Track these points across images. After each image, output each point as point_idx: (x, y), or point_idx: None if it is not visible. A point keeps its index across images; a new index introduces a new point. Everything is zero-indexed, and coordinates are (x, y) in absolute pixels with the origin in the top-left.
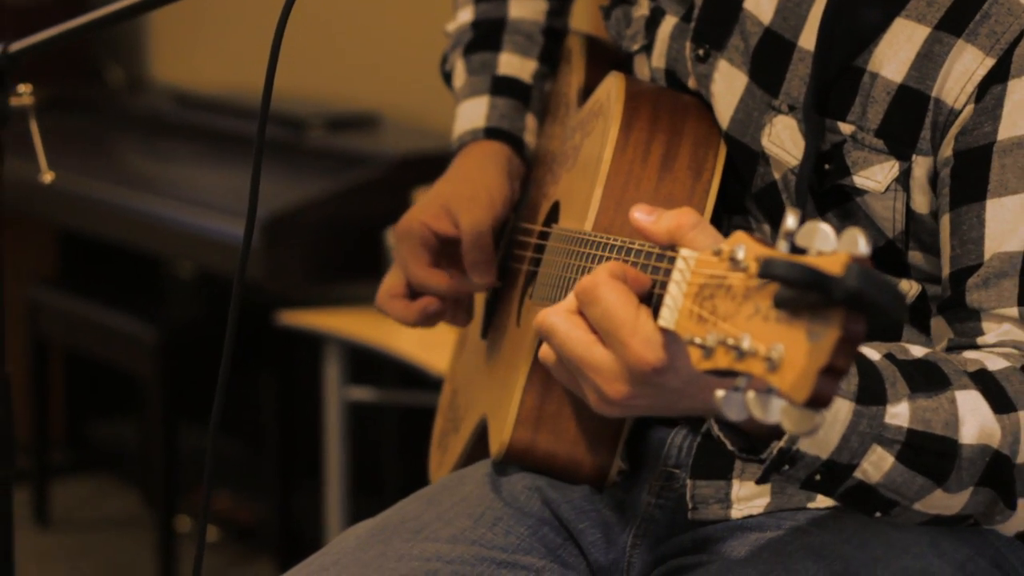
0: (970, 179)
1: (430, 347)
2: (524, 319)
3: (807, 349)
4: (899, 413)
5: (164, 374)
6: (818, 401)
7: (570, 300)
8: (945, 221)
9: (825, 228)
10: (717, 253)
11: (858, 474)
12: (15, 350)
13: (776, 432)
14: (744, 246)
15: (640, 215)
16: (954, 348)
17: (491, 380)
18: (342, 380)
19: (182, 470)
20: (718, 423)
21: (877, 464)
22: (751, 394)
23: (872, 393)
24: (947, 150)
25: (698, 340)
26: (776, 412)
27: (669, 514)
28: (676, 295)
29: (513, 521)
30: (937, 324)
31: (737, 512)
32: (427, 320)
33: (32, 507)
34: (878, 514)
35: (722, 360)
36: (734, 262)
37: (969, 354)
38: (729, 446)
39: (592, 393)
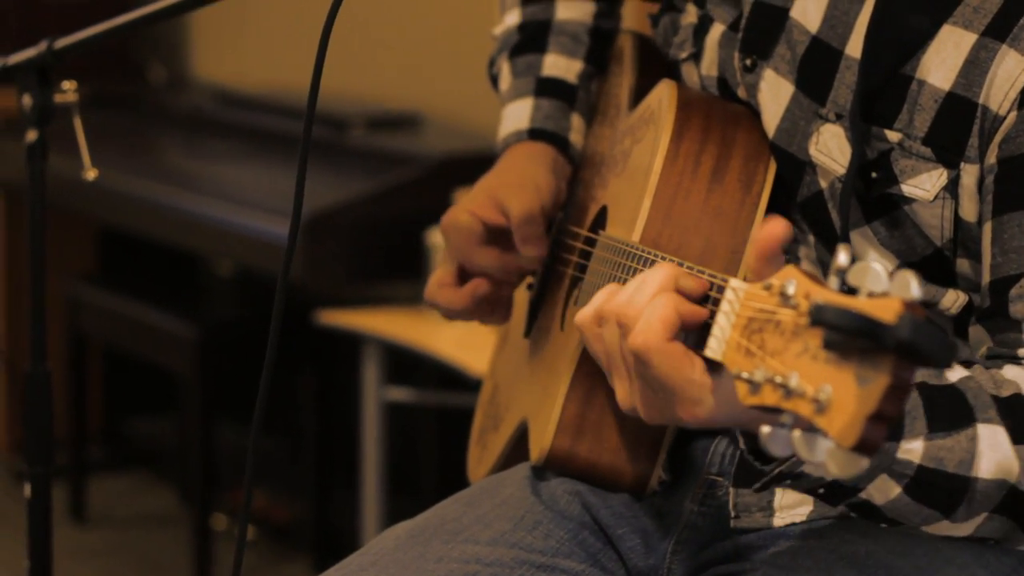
0: (1013, 187)
1: (468, 348)
2: (568, 324)
3: (856, 394)
4: (912, 449)
5: (203, 372)
6: (866, 447)
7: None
8: (987, 228)
9: (877, 268)
10: (767, 287)
11: (862, 495)
12: (54, 346)
13: None
14: (795, 282)
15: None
16: (994, 357)
17: (533, 382)
18: (380, 380)
19: (219, 468)
20: (741, 431)
21: (882, 490)
22: (797, 433)
23: None
24: (991, 157)
25: (745, 375)
26: (822, 453)
27: (711, 522)
28: (724, 326)
29: (553, 525)
30: (976, 331)
31: (779, 520)
32: (478, 304)
33: (69, 503)
34: (883, 525)
35: (769, 397)
36: (784, 297)
37: (1009, 371)
38: (741, 444)
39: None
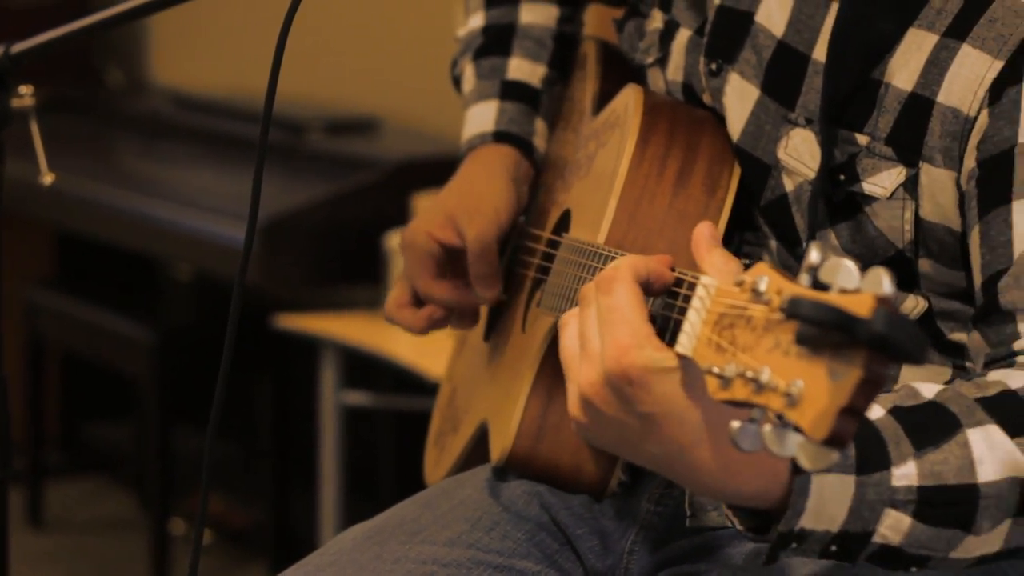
0: (994, 185)
1: (426, 352)
2: (530, 326)
3: (828, 388)
4: (906, 474)
5: (160, 376)
6: (837, 440)
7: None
8: (975, 233)
9: (849, 265)
10: (739, 284)
11: (877, 539)
12: (12, 351)
13: (781, 511)
14: (767, 278)
15: (706, 231)
16: (990, 363)
17: (493, 384)
18: (338, 384)
19: (177, 473)
20: (727, 506)
21: (895, 527)
22: (767, 427)
23: (873, 460)
24: (970, 161)
25: (716, 370)
26: (792, 447)
27: (668, 521)
28: (695, 322)
29: (510, 526)
30: (973, 339)
31: None
32: (434, 326)
33: (26, 508)
34: (914, 570)
35: (740, 392)
36: (756, 294)
37: (994, 374)
38: (738, 526)
39: (572, 387)
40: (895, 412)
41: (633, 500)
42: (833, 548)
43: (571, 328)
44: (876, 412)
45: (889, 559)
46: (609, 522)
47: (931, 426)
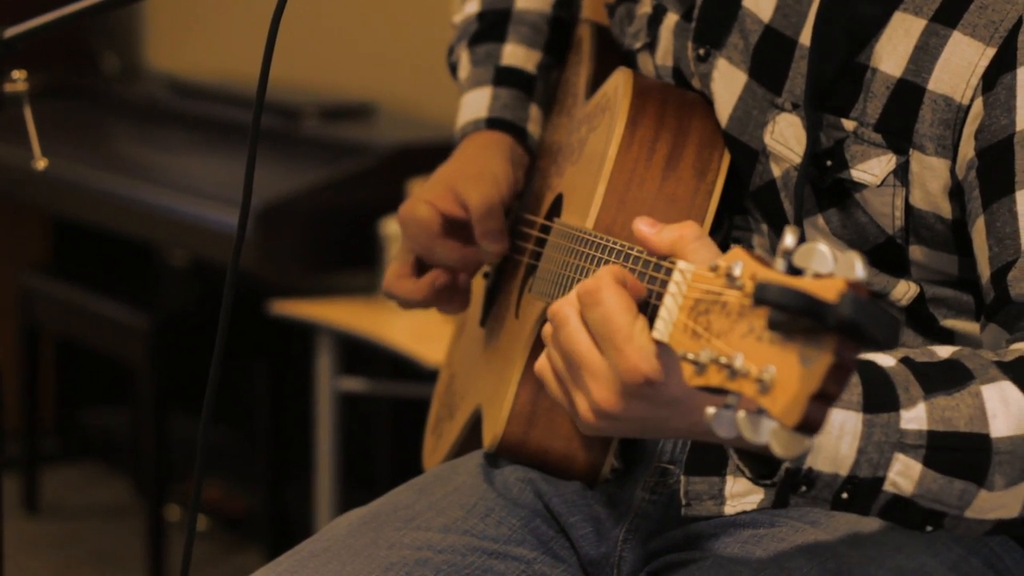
0: (996, 175)
1: (422, 338)
2: (523, 312)
3: (799, 373)
4: (916, 417)
5: (156, 362)
6: (808, 426)
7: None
8: (980, 224)
9: (823, 250)
10: (714, 269)
11: (888, 487)
12: (6, 337)
13: None
14: (741, 263)
15: (643, 226)
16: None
17: (487, 370)
18: (334, 370)
19: (173, 459)
20: (735, 451)
21: (905, 474)
22: (742, 413)
23: (881, 401)
24: (968, 151)
25: (691, 356)
26: (766, 433)
27: (662, 510)
28: (671, 308)
29: (505, 512)
30: (990, 332)
31: (730, 508)
32: (436, 295)
33: (21, 494)
34: (929, 528)
35: (714, 378)
36: (730, 279)
37: (1016, 345)
38: (748, 474)
39: (582, 402)
40: (906, 361)
41: (627, 488)
42: (844, 496)
43: (548, 373)
44: (887, 360)
45: (903, 512)
46: (603, 510)
47: (943, 376)
